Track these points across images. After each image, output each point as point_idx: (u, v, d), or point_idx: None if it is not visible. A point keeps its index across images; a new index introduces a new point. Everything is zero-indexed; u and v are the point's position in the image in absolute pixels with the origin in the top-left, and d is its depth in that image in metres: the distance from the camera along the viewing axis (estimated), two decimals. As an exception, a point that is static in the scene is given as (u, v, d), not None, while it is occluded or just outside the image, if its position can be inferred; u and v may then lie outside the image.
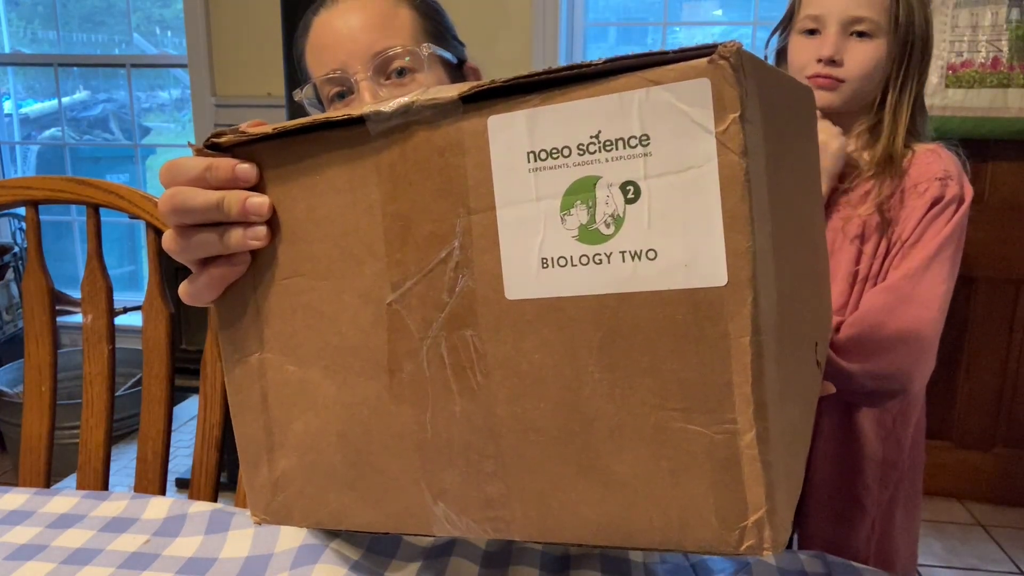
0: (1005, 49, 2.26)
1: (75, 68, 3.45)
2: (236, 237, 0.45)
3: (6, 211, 2.37)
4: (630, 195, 0.37)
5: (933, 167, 1.13)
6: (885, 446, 1.12)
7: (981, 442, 2.44)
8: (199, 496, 1.02)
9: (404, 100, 0.42)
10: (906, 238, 1.06)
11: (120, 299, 1.36)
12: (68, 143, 3.40)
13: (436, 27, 0.87)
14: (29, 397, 1.07)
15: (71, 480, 2.21)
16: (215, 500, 1.03)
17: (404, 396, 0.45)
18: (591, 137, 0.37)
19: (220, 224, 0.45)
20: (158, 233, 1.04)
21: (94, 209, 1.05)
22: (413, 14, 0.85)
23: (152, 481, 1.04)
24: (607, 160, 0.37)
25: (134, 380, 2.60)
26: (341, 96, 0.83)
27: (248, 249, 0.46)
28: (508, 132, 0.40)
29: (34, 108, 3.55)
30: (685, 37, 2.98)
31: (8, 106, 3.41)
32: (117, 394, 1.17)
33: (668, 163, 0.36)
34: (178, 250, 0.46)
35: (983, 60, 2.28)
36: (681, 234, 0.36)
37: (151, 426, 1.05)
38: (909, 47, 1.12)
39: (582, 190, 0.38)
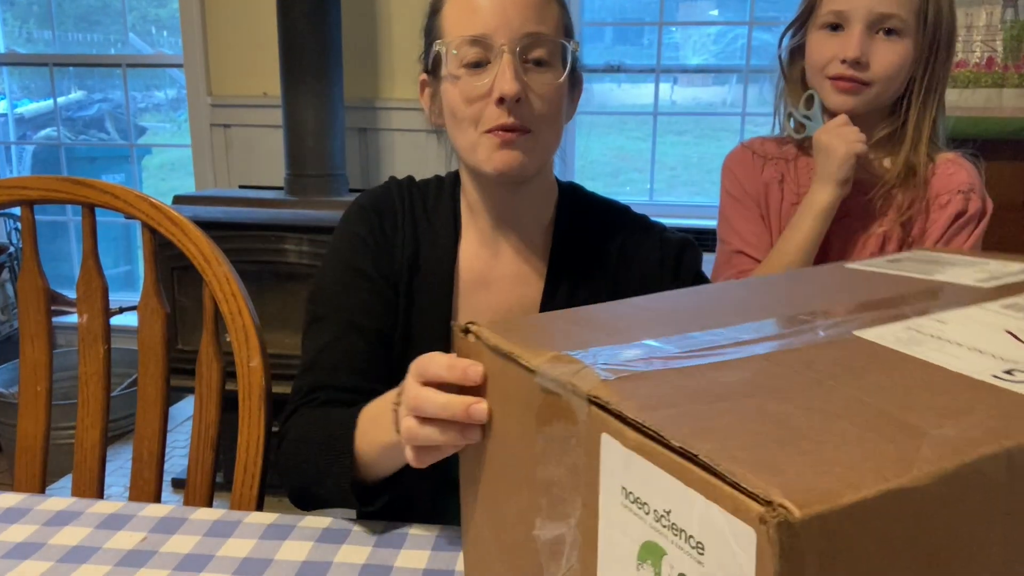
0: (1000, 49, 2.27)
1: (71, 68, 3.44)
2: (453, 436, 0.57)
3: (1, 211, 2.37)
4: None
5: (956, 179, 1.10)
6: None
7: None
8: (195, 496, 1.02)
9: (561, 376, 0.44)
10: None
11: (116, 299, 1.36)
12: (64, 143, 3.40)
13: (570, 29, 0.89)
14: (24, 397, 1.06)
15: (67, 480, 2.20)
16: (211, 500, 1.03)
17: None
18: (665, 511, 0.37)
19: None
20: (154, 233, 1.04)
21: (90, 209, 1.05)
22: (560, 10, 0.87)
23: (148, 481, 1.04)
24: (672, 541, 0.37)
25: (130, 380, 2.59)
26: (478, 64, 0.83)
27: (463, 444, 0.58)
28: (613, 456, 0.40)
29: (29, 108, 3.55)
30: (681, 37, 2.98)
31: (3, 106, 3.40)
32: (113, 394, 1.17)
33: None
34: (413, 440, 0.61)
35: (978, 60, 2.28)
36: None
37: (147, 426, 1.05)
38: (936, 47, 1.07)
39: (653, 553, 0.38)
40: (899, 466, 0.34)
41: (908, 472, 0.33)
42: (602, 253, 0.95)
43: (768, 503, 0.31)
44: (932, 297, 0.56)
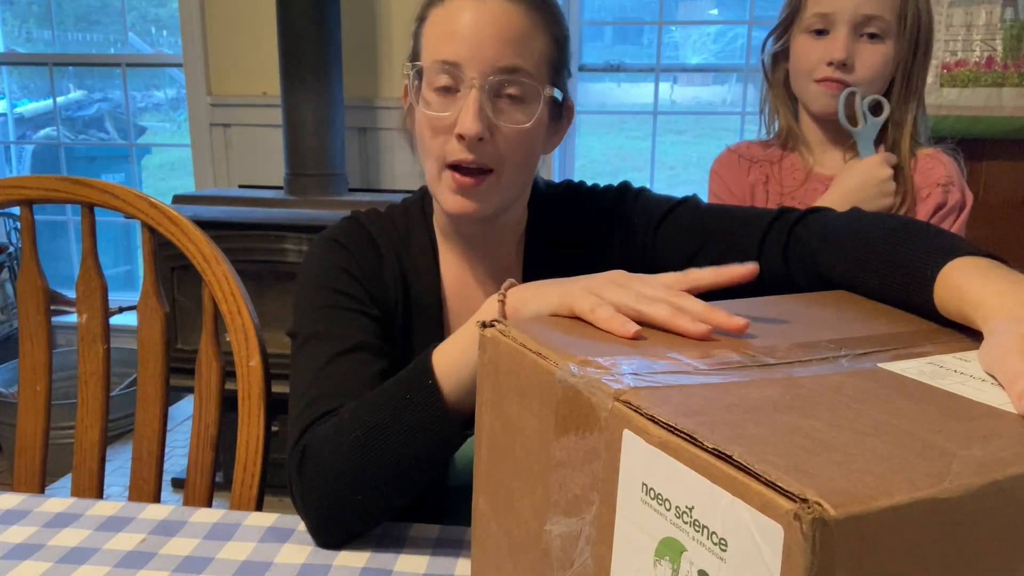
0: (999, 48, 2.27)
1: (70, 68, 3.44)
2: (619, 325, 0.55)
3: (1, 211, 2.37)
4: None
5: (935, 173, 1.13)
6: None
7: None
8: (195, 496, 1.02)
9: (588, 374, 0.44)
10: None
11: (115, 299, 1.36)
12: (63, 143, 3.39)
13: (561, 60, 0.85)
14: (24, 397, 1.06)
15: (66, 480, 2.20)
16: (211, 500, 1.03)
17: None
18: (687, 507, 0.37)
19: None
20: (153, 233, 1.04)
21: (89, 209, 1.05)
22: (548, 43, 0.82)
23: (147, 481, 1.04)
24: (693, 537, 0.37)
25: (130, 380, 2.59)
26: (447, 90, 0.81)
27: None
28: (634, 451, 0.40)
29: (29, 108, 3.55)
30: (681, 36, 2.98)
31: (3, 105, 3.40)
32: (112, 394, 1.17)
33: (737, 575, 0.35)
34: (609, 324, 0.55)
35: (977, 59, 2.28)
36: None
37: (146, 426, 1.05)
38: (915, 49, 1.11)
39: (672, 549, 0.38)
40: (931, 478, 0.34)
41: (940, 484, 0.34)
42: (572, 247, 0.93)
43: (803, 501, 0.32)
44: (952, 337, 0.56)
